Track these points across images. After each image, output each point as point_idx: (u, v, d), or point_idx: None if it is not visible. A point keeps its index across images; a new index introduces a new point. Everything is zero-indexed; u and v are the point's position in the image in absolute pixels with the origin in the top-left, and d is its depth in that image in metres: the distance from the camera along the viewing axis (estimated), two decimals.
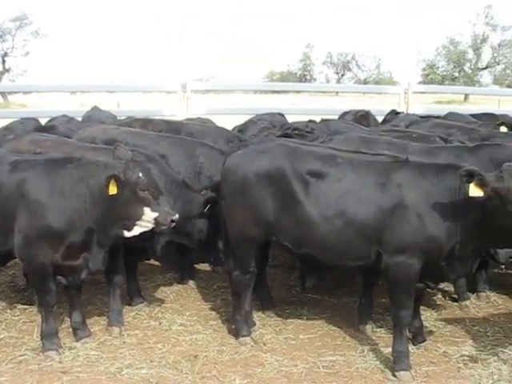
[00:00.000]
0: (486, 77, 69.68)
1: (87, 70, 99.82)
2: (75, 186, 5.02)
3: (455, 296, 6.54)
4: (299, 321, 5.99)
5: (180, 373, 4.95)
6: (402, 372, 4.93)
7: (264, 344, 5.48)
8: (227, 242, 5.55)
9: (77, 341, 5.40)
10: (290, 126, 8.48)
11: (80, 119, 9.92)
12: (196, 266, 7.37)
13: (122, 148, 5.39)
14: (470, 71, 67.84)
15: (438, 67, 68.67)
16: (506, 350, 5.40)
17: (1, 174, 5.17)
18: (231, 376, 4.92)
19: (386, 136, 7.20)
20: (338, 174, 4.94)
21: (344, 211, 4.86)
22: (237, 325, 5.54)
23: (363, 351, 5.36)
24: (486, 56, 68.71)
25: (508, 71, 68.10)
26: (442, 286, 6.38)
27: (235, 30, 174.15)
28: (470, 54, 68.60)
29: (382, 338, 5.62)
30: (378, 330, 5.79)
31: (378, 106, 14.11)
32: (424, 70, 68.44)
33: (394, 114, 11.01)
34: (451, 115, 10.52)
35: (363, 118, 9.95)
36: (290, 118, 10.85)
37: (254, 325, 5.75)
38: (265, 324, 5.88)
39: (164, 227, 5.10)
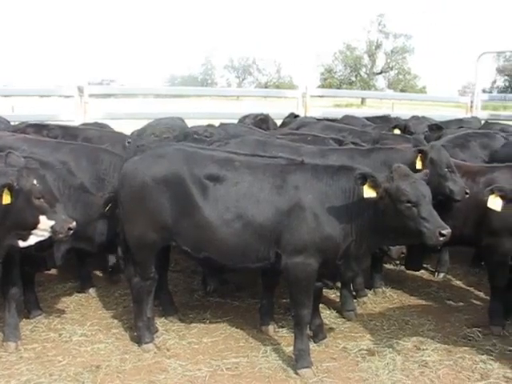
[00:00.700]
0: (380, 81, 72.71)
1: None
2: None
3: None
4: (202, 325, 6.00)
5: None
6: (304, 369, 5.05)
7: (167, 350, 5.45)
8: (126, 249, 5.45)
9: None
10: (190, 131, 8.46)
11: None
12: (96, 273, 7.22)
13: (14, 155, 5.17)
14: (366, 76, 70.51)
15: (335, 72, 70.91)
16: (400, 342, 5.68)
17: None
18: None
19: (281, 139, 7.34)
20: (236, 178, 4.98)
21: (242, 214, 4.90)
22: (139, 332, 5.46)
23: (266, 351, 5.44)
24: (381, 61, 71.76)
25: (401, 76, 71.29)
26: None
27: (136, 34, 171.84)
28: (366, 60, 71.38)
29: (284, 337, 5.72)
30: (280, 329, 5.89)
31: (278, 109, 14.32)
32: (322, 74, 70.47)
33: (293, 117, 11.24)
34: (347, 118, 10.89)
35: (262, 121, 10.08)
36: (192, 123, 10.81)
37: (157, 331, 5.69)
38: (168, 329, 5.84)
39: (61, 235, 4.94)
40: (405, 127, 9.28)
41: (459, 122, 11.50)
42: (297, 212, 4.84)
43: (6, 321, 5.47)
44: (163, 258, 5.71)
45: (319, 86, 58.28)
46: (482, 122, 12.12)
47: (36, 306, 6.07)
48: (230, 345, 5.61)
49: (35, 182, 4.80)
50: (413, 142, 6.94)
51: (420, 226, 4.54)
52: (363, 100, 38.28)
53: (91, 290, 6.75)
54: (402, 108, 24.03)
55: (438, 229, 4.49)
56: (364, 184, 4.68)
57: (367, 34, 71.17)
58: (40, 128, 8.12)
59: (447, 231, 4.49)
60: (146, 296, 5.42)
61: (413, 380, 5.02)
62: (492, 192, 4.81)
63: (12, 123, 9.56)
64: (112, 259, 6.84)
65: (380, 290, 7.02)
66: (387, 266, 7.42)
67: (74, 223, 4.93)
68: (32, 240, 4.95)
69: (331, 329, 5.96)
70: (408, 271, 7.44)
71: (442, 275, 7.68)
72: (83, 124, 9.91)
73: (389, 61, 71.48)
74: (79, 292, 6.76)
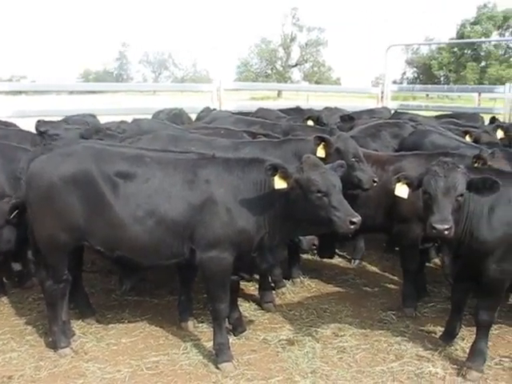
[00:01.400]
0: (296, 74, 73.77)
1: None
2: None
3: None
4: (121, 325, 5.89)
5: None
6: (225, 363, 5.05)
7: (85, 353, 5.32)
8: (37, 251, 5.26)
9: None
10: (101, 127, 8.27)
11: None
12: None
13: None
14: (282, 68, 71.33)
15: (251, 65, 71.33)
16: (319, 330, 5.80)
17: None
18: None
19: (194, 133, 7.29)
20: (147, 174, 4.90)
21: (154, 211, 4.84)
22: (54, 337, 5.30)
23: (186, 348, 5.41)
24: (295, 54, 72.78)
25: (315, 69, 72.55)
26: None
27: (48, 28, 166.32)
28: (281, 53, 72.18)
29: (204, 332, 5.71)
30: (200, 325, 5.87)
31: (194, 103, 14.25)
32: (239, 67, 70.74)
33: (210, 111, 11.19)
34: (261, 111, 10.95)
35: (176, 116, 10.01)
36: (107, 119, 10.59)
37: (74, 334, 5.54)
38: (85, 332, 5.70)
39: None
40: (317, 118, 9.43)
41: (370, 113, 11.81)
42: (209, 206, 4.82)
43: None
44: (77, 258, 5.54)
45: (236, 80, 58.49)
46: (392, 111, 12.49)
47: None
48: (150, 343, 5.53)
49: None
50: (328, 133, 7.05)
51: (331, 214, 4.60)
52: (279, 92, 38.74)
53: (3, 297, 6.48)
54: (318, 100, 24.46)
55: (349, 217, 4.57)
56: (274, 175, 4.71)
57: (282, 28, 71.97)
58: None
59: (357, 219, 4.57)
60: (60, 299, 5.26)
61: (332, 366, 5.13)
62: (398, 180, 4.93)
63: None
64: (17, 266, 6.60)
65: (298, 279, 7.13)
66: (305, 255, 7.52)
67: None
68: None
69: (251, 321, 6.00)
70: (325, 260, 7.59)
71: (357, 262, 7.88)
72: None
73: (303, 53, 72.61)
74: None
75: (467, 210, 4.73)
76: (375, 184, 5.98)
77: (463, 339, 5.55)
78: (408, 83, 63.53)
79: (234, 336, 5.59)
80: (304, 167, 4.75)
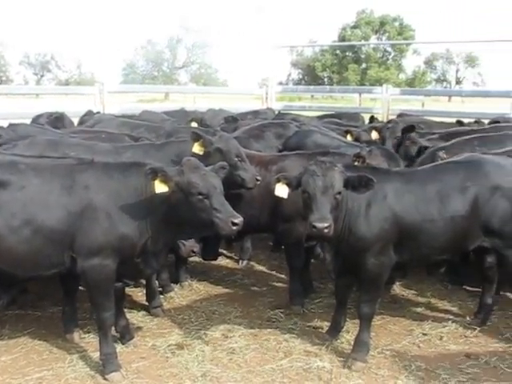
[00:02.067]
0: (183, 76, 73.49)
1: None
2: None
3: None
4: (0, 342, 5.57)
5: None
6: (112, 373, 4.92)
7: None
8: None
9: None
10: None
11: None
12: None
13: None
14: (168, 70, 70.87)
15: (137, 67, 70.38)
16: (208, 332, 5.79)
17: None
18: None
19: (75, 138, 7.07)
20: (21, 181, 4.67)
21: (31, 220, 4.62)
22: None
23: (72, 360, 5.22)
24: (182, 56, 72.53)
25: (202, 70, 72.66)
26: None
27: None
28: (167, 54, 71.69)
29: (91, 343, 5.52)
30: (86, 335, 5.68)
31: (79, 107, 13.81)
32: (125, 69, 69.56)
33: (93, 114, 10.91)
34: (145, 114, 10.82)
35: (58, 120, 9.63)
36: None
37: None
38: None
39: None
40: (201, 120, 9.44)
41: (255, 114, 11.98)
42: (89, 213, 4.67)
43: None
44: None
45: (122, 82, 57.34)
46: (277, 112, 12.73)
47: None
48: (33, 359, 5.28)
49: None
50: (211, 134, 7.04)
51: (212, 216, 4.59)
52: (167, 94, 38.35)
53: None
54: (205, 101, 24.44)
55: (230, 218, 4.58)
56: (155, 179, 4.63)
57: (168, 29, 71.60)
58: None
59: (239, 220, 4.60)
60: None
61: (222, 368, 5.12)
62: (278, 180, 5.01)
63: None
64: None
65: (186, 283, 7.10)
66: (192, 258, 7.50)
67: None
68: None
69: (139, 328, 5.89)
70: (212, 262, 7.62)
71: (245, 262, 7.96)
72: None
73: (190, 55, 72.53)
74: None
75: (345, 208, 4.89)
76: (258, 183, 6.05)
77: (348, 332, 5.73)
78: (294, 84, 65.08)
79: (122, 344, 5.45)
80: (184, 170, 4.72)
